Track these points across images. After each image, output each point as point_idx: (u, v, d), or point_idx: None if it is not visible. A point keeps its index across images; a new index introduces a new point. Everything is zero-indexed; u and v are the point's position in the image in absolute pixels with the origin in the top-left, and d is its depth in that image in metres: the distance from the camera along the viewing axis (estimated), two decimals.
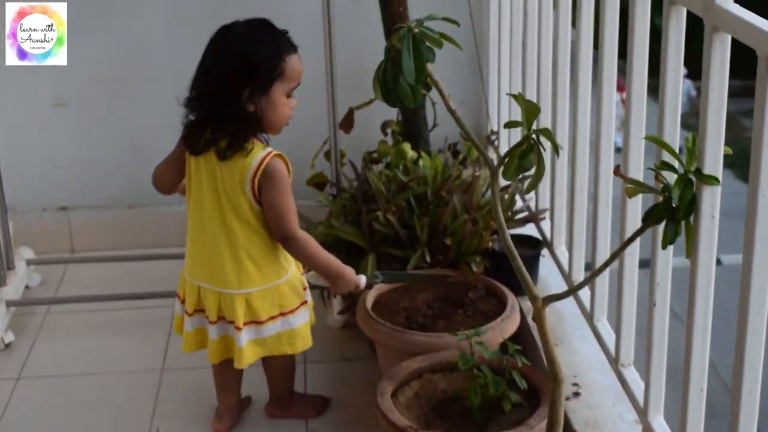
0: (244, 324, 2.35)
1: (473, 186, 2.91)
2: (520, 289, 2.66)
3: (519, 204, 3.05)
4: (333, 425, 2.67)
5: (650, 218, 1.70)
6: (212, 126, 2.26)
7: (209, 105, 2.25)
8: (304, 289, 2.46)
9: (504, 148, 3.47)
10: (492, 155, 3.66)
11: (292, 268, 2.42)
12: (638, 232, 1.75)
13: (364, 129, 3.49)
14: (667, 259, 1.90)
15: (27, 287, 3.47)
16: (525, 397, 2.27)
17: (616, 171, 1.79)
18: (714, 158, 1.64)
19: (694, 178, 1.65)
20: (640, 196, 1.83)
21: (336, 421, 2.67)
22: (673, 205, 1.65)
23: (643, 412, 2.04)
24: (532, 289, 1.83)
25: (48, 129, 3.69)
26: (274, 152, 2.28)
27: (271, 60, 2.22)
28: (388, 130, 3.45)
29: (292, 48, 2.27)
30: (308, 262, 2.40)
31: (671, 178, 1.68)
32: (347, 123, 3.39)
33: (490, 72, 3.59)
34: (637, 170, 2.01)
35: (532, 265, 2.82)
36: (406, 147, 3.28)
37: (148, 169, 3.73)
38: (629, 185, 1.76)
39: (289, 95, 2.28)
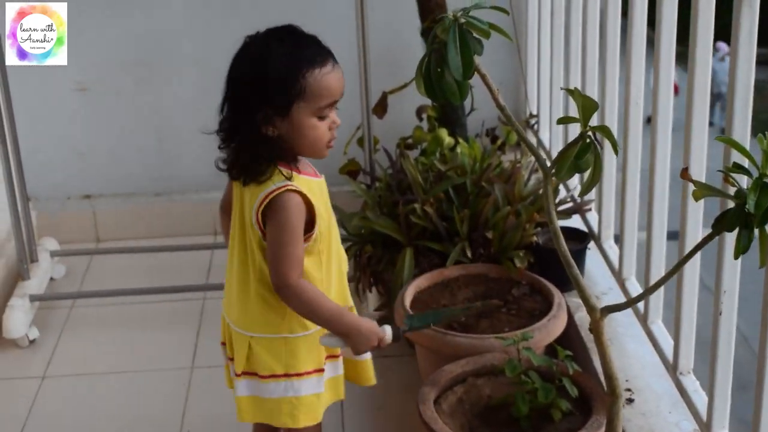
0: (244, 373, 2.03)
1: (515, 176, 2.78)
2: (565, 286, 2.55)
3: (563, 193, 2.91)
4: (371, 429, 2.55)
5: (721, 225, 1.56)
6: (234, 149, 1.96)
7: (227, 127, 1.95)
8: (334, 357, 2.08)
9: (545, 133, 3.33)
10: (531, 140, 3.53)
11: (317, 328, 2.01)
12: (705, 241, 1.61)
13: (398, 114, 3.36)
14: (736, 267, 1.76)
15: (52, 279, 3.38)
16: (575, 405, 2.14)
17: (683, 174, 1.65)
18: None
19: None
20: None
21: (374, 425, 2.55)
22: (748, 211, 1.51)
23: (705, 426, 1.91)
24: (590, 299, 1.70)
25: (70, 115, 3.59)
26: (291, 186, 1.90)
27: (287, 78, 1.87)
28: (424, 116, 3.33)
29: (318, 61, 1.89)
30: (310, 318, 1.96)
31: (742, 181, 1.54)
32: (381, 108, 3.27)
33: (529, 54, 3.45)
34: (700, 171, 1.87)
35: (578, 259, 2.68)
36: (443, 133, 3.15)
37: (173, 155, 3.67)
38: (697, 188, 1.61)
39: (321, 116, 1.91)
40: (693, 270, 1.98)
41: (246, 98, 1.89)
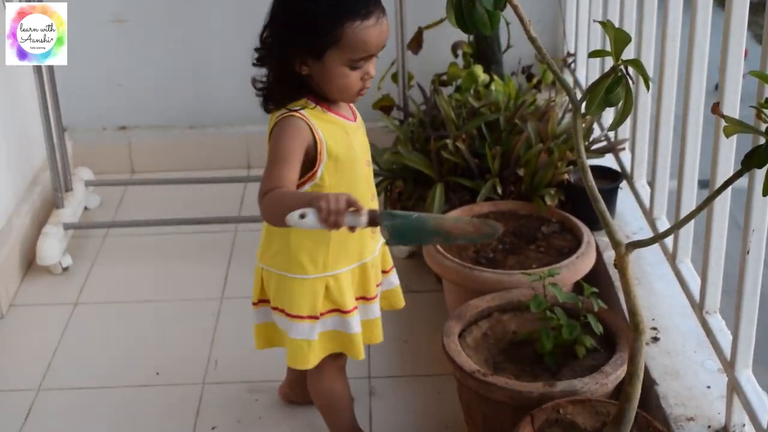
0: (260, 301, 2.12)
1: (549, 113, 2.76)
2: (596, 224, 2.53)
3: (597, 132, 2.89)
4: (397, 362, 2.57)
5: (751, 161, 1.54)
6: (268, 78, 1.95)
7: (263, 58, 1.94)
8: (343, 311, 2.03)
9: (581, 72, 3.29)
10: (568, 79, 3.49)
11: (323, 274, 1.99)
12: (735, 177, 1.59)
13: (433, 50, 3.34)
14: (765, 205, 1.74)
15: (86, 209, 3.41)
16: (600, 342, 2.14)
17: (714, 109, 1.62)
18: None
19: None
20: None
21: (400, 359, 2.57)
22: None
23: (729, 365, 1.90)
24: (615, 235, 1.69)
25: (107, 47, 3.59)
26: (297, 114, 1.89)
27: (326, 24, 1.83)
28: (459, 52, 3.30)
29: (362, 13, 1.83)
30: (278, 211, 1.76)
31: None
32: (416, 43, 3.25)
33: None
34: (734, 106, 1.84)
35: (610, 199, 2.67)
36: (478, 70, 3.13)
37: (209, 87, 3.66)
38: (727, 124, 1.59)
39: (354, 67, 1.87)
40: (722, 208, 1.96)
41: (285, 32, 1.88)
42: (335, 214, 1.69)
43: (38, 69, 3.01)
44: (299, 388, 2.37)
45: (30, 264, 3.07)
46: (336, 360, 2.12)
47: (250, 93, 3.66)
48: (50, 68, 3.12)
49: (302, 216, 1.71)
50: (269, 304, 2.10)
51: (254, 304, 2.14)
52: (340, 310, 2.03)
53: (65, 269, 3.05)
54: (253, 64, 1.97)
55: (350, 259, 2.02)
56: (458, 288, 2.39)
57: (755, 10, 1.68)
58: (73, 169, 3.43)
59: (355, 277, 2.04)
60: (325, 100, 1.94)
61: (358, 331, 2.04)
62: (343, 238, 1.95)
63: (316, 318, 2.01)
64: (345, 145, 1.95)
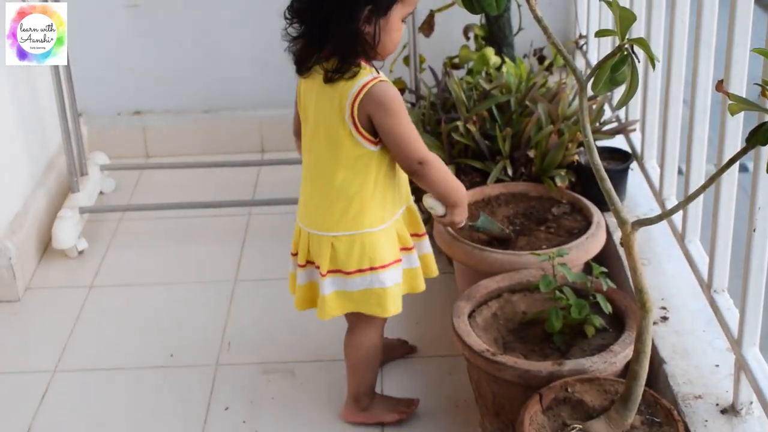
0: (329, 272, 2.10)
1: (559, 95, 2.76)
2: (606, 205, 2.53)
3: (608, 114, 2.89)
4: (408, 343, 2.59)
5: (755, 138, 1.55)
6: (320, 43, 1.99)
7: (321, 20, 1.97)
8: (408, 249, 2.18)
9: (593, 54, 3.29)
10: (580, 61, 3.49)
11: (394, 218, 2.13)
12: (740, 154, 1.60)
13: (444, 32, 3.34)
14: None
15: (101, 193, 3.44)
16: (609, 322, 2.15)
17: (719, 86, 1.63)
18: None
19: None
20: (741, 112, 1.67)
21: (412, 340, 2.58)
22: None
23: (736, 343, 1.91)
24: (621, 212, 1.70)
25: (121, 31, 3.60)
26: (381, 77, 2.00)
27: None
28: (471, 34, 3.30)
29: None
30: (441, 185, 2.09)
31: None
32: (427, 26, 3.25)
33: None
34: (740, 84, 1.84)
35: (620, 179, 2.67)
36: (489, 52, 3.13)
37: (222, 72, 3.68)
38: (732, 102, 1.60)
39: (403, 20, 2.02)
40: (730, 187, 1.96)
41: None
42: (455, 224, 2.15)
43: None
44: (363, 400, 2.34)
45: (46, 248, 3.10)
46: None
47: (264, 77, 3.72)
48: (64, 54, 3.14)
49: (434, 210, 2.13)
50: (318, 268, 2.14)
51: (301, 266, 2.17)
52: (406, 248, 2.18)
53: (80, 252, 3.08)
54: (295, 23, 2.01)
55: (402, 202, 2.17)
56: (469, 269, 2.41)
57: None
58: (88, 153, 3.45)
59: (405, 218, 2.19)
60: (370, 62, 2.03)
61: (418, 264, 2.20)
62: (399, 185, 2.14)
63: (399, 260, 2.16)
64: None
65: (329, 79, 2.00)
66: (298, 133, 2.21)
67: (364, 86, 1.98)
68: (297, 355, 2.57)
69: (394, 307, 2.15)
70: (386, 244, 2.12)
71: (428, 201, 2.13)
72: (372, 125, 2.01)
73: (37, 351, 2.65)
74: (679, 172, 2.40)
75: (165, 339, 2.66)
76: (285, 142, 3.61)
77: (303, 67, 2.05)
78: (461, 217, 2.14)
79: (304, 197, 2.16)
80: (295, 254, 2.21)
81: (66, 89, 3.15)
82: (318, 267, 2.14)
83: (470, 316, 2.20)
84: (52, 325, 2.75)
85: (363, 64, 2.00)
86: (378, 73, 2.02)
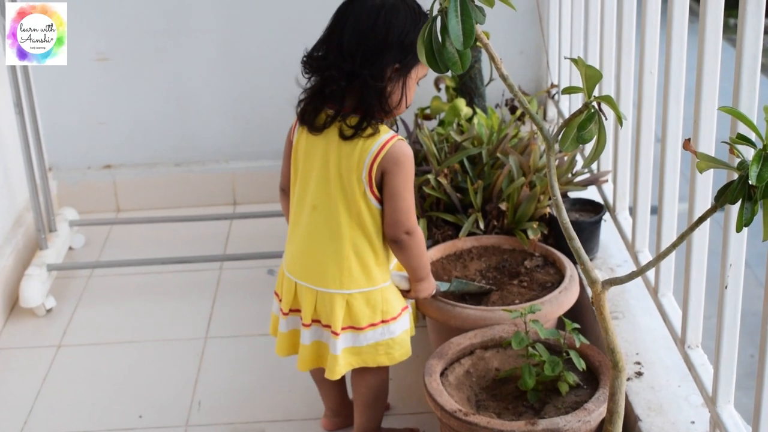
0: (342, 329, 2.11)
1: (531, 146, 2.75)
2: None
3: (580, 164, 2.88)
4: None
5: (723, 197, 1.53)
6: (341, 99, 2.00)
7: (348, 74, 1.97)
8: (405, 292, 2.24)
9: (565, 104, 3.29)
10: (552, 110, 3.49)
11: (393, 263, 2.20)
12: (709, 212, 1.58)
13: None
14: (741, 240, 1.73)
15: (70, 249, 3.39)
16: (583, 378, 2.13)
17: (686, 145, 1.62)
18: None
19: None
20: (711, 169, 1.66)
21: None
22: (750, 183, 1.48)
23: (711, 400, 1.88)
24: (591, 272, 1.67)
25: (91, 85, 3.58)
26: (400, 137, 2.04)
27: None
28: (442, 85, 3.29)
29: None
30: (416, 260, 2.14)
31: (748, 152, 1.51)
32: None
33: (550, 22, 3.41)
34: (709, 141, 1.83)
35: (593, 231, 2.66)
36: (461, 103, 3.12)
37: (194, 125, 3.66)
38: (700, 160, 1.58)
39: (417, 82, 2.10)
40: (701, 243, 1.95)
41: (386, 51, 1.98)
42: (424, 296, 2.24)
43: (20, 108, 3.00)
44: (346, 409, 2.39)
45: (13, 306, 3.06)
46: None
47: (235, 129, 3.70)
48: (33, 107, 3.12)
49: (399, 286, 2.19)
50: (327, 327, 2.14)
51: (306, 325, 2.16)
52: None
53: (49, 311, 3.03)
54: (316, 75, 2.03)
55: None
56: (441, 325, 2.37)
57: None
58: (57, 209, 3.42)
59: None
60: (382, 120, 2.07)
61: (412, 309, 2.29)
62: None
63: (407, 307, 2.22)
64: None
65: (348, 136, 2.00)
66: (285, 189, 2.19)
67: (385, 144, 2.01)
68: (268, 415, 2.52)
69: (401, 353, 2.19)
70: (396, 295, 2.18)
71: (394, 278, 2.18)
72: (382, 183, 2.04)
73: (2, 414, 2.59)
74: (654, 212, 2.39)
75: (134, 399, 2.61)
76: (257, 195, 3.60)
77: (315, 122, 2.04)
78: (426, 292, 2.23)
79: (305, 254, 2.13)
80: (286, 313, 2.19)
81: (34, 143, 3.11)
82: (327, 326, 2.13)
83: (443, 373, 2.17)
84: (18, 386, 2.69)
85: (380, 123, 2.04)
86: (396, 132, 2.06)
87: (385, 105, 2.01)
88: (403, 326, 2.19)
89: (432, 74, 3.29)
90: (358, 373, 2.24)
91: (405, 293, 2.21)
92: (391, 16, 1.98)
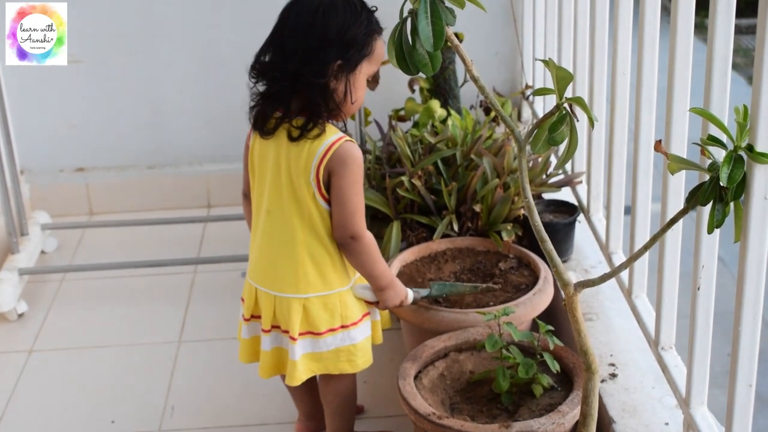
0: (300, 335, 2.08)
1: (505, 147, 2.74)
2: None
3: (554, 165, 2.87)
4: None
5: (695, 199, 1.53)
6: (287, 101, 1.99)
7: (292, 75, 1.95)
8: (368, 302, 2.20)
9: (539, 105, 3.29)
10: (526, 111, 3.49)
11: (356, 276, 2.14)
12: (681, 214, 1.58)
13: (390, 85, 3.31)
14: (713, 241, 1.73)
15: (43, 252, 3.36)
16: (557, 380, 2.12)
17: (657, 146, 1.61)
18: None
19: (745, 155, 1.47)
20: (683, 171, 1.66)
21: (360, 400, 2.53)
22: (721, 185, 1.47)
23: (684, 402, 1.88)
24: (563, 274, 1.67)
25: (63, 87, 3.55)
26: (347, 137, 2.01)
27: (366, 36, 1.98)
28: (416, 87, 3.28)
29: (380, 29, 2.02)
30: (367, 268, 2.09)
31: (719, 154, 1.51)
32: (373, 79, 3.21)
33: (525, 23, 3.41)
34: (681, 142, 1.83)
35: (567, 233, 2.65)
36: (435, 104, 3.12)
37: (166, 127, 3.64)
38: (671, 161, 1.58)
39: (368, 80, 2.05)
40: (674, 244, 1.94)
41: (326, 48, 1.95)
42: (392, 305, 2.18)
43: None
44: (319, 414, 2.36)
45: None
46: None
47: (208, 132, 3.68)
48: (4, 109, 3.09)
49: (365, 297, 2.15)
50: (285, 332, 2.12)
51: (266, 331, 2.14)
52: (368, 302, 2.19)
53: (20, 315, 3.00)
54: (261, 81, 2.02)
55: None
56: (415, 328, 2.36)
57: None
58: (29, 212, 3.39)
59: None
60: (331, 120, 2.04)
61: (378, 317, 2.24)
62: None
63: (368, 313, 2.18)
64: None
65: (295, 138, 1.98)
66: (247, 195, 2.17)
67: (331, 145, 1.98)
68: (242, 419, 2.51)
69: (363, 360, 2.16)
70: (354, 301, 2.13)
71: (357, 291, 2.14)
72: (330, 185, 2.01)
73: None
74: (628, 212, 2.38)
75: (107, 405, 2.59)
76: (231, 198, 3.58)
77: (265, 126, 2.03)
78: (394, 301, 2.16)
79: (262, 259, 2.11)
80: (248, 319, 2.17)
81: (5, 145, 3.09)
82: (286, 331, 2.10)
83: (417, 376, 2.16)
84: None
85: (327, 123, 2.01)
86: (344, 132, 2.02)
87: (330, 104, 1.98)
88: (364, 333, 2.15)
89: (406, 75, 3.28)
90: (325, 380, 2.23)
91: (375, 305, 2.18)
92: (330, 12, 1.96)
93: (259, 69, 2.01)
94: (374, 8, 2.04)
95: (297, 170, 1.99)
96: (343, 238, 2.04)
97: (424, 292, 2.30)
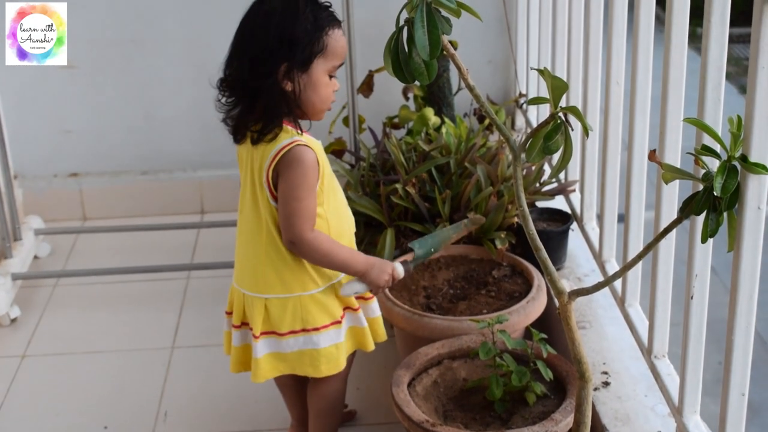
0: (262, 333, 2.09)
1: (499, 155, 2.75)
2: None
3: (548, 173, 2.88)
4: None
5: (688, 208, 1.54)
6: (248, 108, 2.00)
7: (244, 84, 1.98)
8: (353, 309, 2.16)
9: (533, 113, 3.30)
10: (520, 119, 3.50)
11: (331, 282, 2.11)
12: (674, 223, 1.59)
13: (384, 92, 3.34)
14: (707, 251, 1.73)
15: (36, 258, 3.36)
16: (551, 388, 2.13)
17: (651, 156, 1.62)
18: (762, 143, 1.47)
19: (738, 165, 1.48)
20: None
21: (353, 406, 2.53)
22: (715, 195, 1.48)
23: (677, 410, 1.89)
24: (557, 282, 1.68)
25: (57, 93, 3.55)
26: (301, 141, 1.98)
27: (312, 34, 1.95)
28: (410, 95, 3.29)
29: (336, 22, 2.00)
30: (326, 264, 2.07)
31: (713, 163, 1.52)
32: (367, 87, 3.24)
33: (519, 32, 3.41)
34: (675, 152, 1.84)
35: (561, 241, 2.66)
36: (429, 112, 3.12)
37: (161, 133, 3.64)
38: (665, 171, 1.59)
39: (332, 75, 2.01)
40: (667, 253, 1.95)
41: (268, 53, 1.95)
42: (388, 286, 2.13)
43: None
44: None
45: None
46: (348, 363, 2.23)
47: (203, 138, 3.68)
48: None
49: (356, 292, 2.11)
50: (251, 330, 2.12)
51: (236, 326, 2.16)
52: (350, 308, 2.16)
53: (13, 320, 3.00)
54: (226, 93, 2.02)
55: None
56: (408, 335, 2.37)
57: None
58: (23, 217, 3.39)
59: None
60: (296, 122, 2.01)
61: (366, 324, 2.19)
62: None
63: (339, 322, 2.13)
64: (326, 162, 2.07)
65: (254, 141, 2.01)
66: None
67: (282, 148, 1.98)
68: (234, 424, 2.51)
69: (328, 367, 2.13)
70: (319, 308, 2.10)
71: (344, 291, 2.11)
72: None
73: None
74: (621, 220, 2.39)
75: (99, 410, 2.59)
76: (225, 204, 3.58)
77: (236, 133, 2.06)
78: (383, 278, 2.12)
79: (237, 258, 2.16)
80: (229, 313, 2.20)
81: None
82: (252, 329, 2.12)
83: (411, 384, 2.16)
84: None
85: (287, 126, 2.00)
86: (301, 136, 2.00)
87: (288, 106, 1.98)
88: (330, 340, 2.12)
89: (400, 83, 3.28)
90: (313, 382, 2.24)
91: (371, 293, 2.17)
92: (268, 17, 1.96)
93: (221, 82, 2.03)
94: (327, 4, 2.02)
95: (254, 173, 2.03)
96: (285, 242, 2.04)
97: (410, 259, 2.24)
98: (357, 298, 2.18)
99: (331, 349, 2.13)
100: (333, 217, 2.09)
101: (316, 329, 2.11)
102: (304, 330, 2.10)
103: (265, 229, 2.05)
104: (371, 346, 2.21)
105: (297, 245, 2.02)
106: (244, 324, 2.16)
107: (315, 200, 2.01)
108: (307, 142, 2.01)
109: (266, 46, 1.95)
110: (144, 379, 2.71)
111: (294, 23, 1.95)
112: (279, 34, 1.95)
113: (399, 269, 2.17)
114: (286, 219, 2.00)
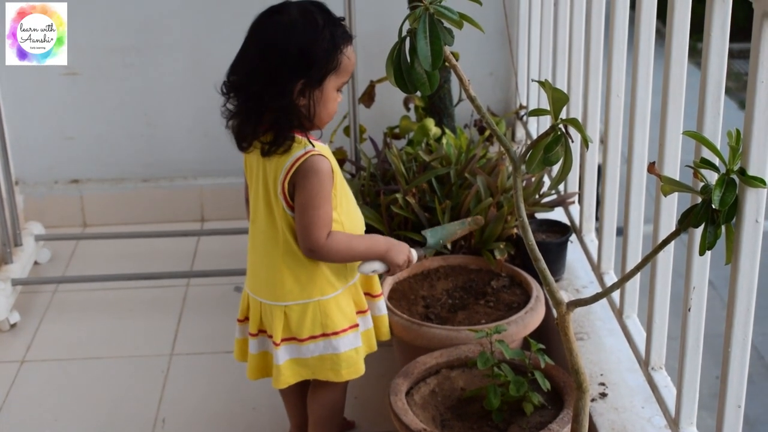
0: (283, 340, 2.11)
1: (499, 167, 2.76)
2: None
3: (547, 185, 2.89)
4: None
5: (687, 221, 1.55)
6: (256, 118, 2.01)
7: (255, 95, 1.98)
8: (363, 312, 2.20)
9: (533, 125, 3.31)
10: (520, 131, 3.52)
11: (347, 284, 2.15)
12: (673, 235, 1.60)
13: (385, 103, 3.35)
14: (704, 263, 1.74)
15: (36, 263, 3.37)
16: (548, 398, 2.13)
17: (651, 168, 1.63)
18: (760, 157, 1.48)
19: (737, 179, 1.49)
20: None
21: (350, 415, 2.54)
22: (713, 208, 1.49)
23: (674, 422, 1.90)
24: (556, 293, 1.69)
25: (59, 99, 3.57)
26: (315, 151, 2.00)
27: (329, 52, 1.97)
28: (411, 105, 3.31)
29: (349, 39, 2.02)
30: (349, 260, 2.12)
31: (712, 176, 1.53)
32: (368, 97, 3.26)
33: (520, 44, 3.43)
34: (674, 164, 1.85)
35: (559, 253, 2.67)
36: (429, 123, 3.14)
37: (161, 140, 3.65)
38: (664, 183, 1.60)
39: (339, 90, 2.04)
40: (665, 265, 1.96)
41: (285, 68, 1.96)
42: (405, 267, 2.16)
43: None
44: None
45: None
46: None
47: (204, 146, 3.70)
48: (0, 121, 3.10)
49: (374, 270, 2.14)
50: (271, 337, 2.14)
51: (253, 335, 2.17)
52: (361, 311, 2.20)
53: (13, 326, 3.01)
54: (233, 99, 2.03)
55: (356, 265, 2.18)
56: (407, 344, 2.38)
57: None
58: (23, 223, 3.40)
59: (360, 279, 2.22)
60: (306, 132, 2.04)
61: (372, 325, 2.24)
62: None
63: (356, 325, 2.17)
64: (337, 166, 2.09)
65: (266, 153, 2.02)
66: (248, 201, 2.21)
67: (296, 160, 2.00)
68: (232, 431, 2.52)
69: (348, 372, 2.16)
70: (339, 311, 2.13)
71: (363, 269, 2.15)
72: None
73: None
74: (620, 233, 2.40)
75: (97, 417, 2.59)
76: (225, 211, 3.60)
77: (242, 142, 2.06)
78: (401, 257, 2.16)
79: (252, 266, 2.17)
80: (242, 320, 2.21)
81: (0, 156, 3.09)
82: (271, 336, 2.14)
83: (408, 393, 2.17)
84: None
85: (298, 137, 2.02)
86: (313, 146, 2.02)
87: (298, 120, 2.00)
88: (350, 344, 2.15)
89: (402, 93, 3.30)
90: (313, 389, 2.25)
91: (387, 273, 2.18)
92: (290, 32, 1.96)
93: (228, 87, 2.03)
94: (341, 18, 2.05)
95: (269, 184, 2.04)
96: (304, 251, 2.06)
97: (423, 247, 2.29)
98: (365, 294, 2.22)
99: (351, 353, 2.16)
100: (347, 219, 2.12)
101: (336, 333, 2.13)
102: (324, 335, 2.12)
103: (282, 238, 2.07)
104: (375, 347, 2.26)
105: (317, 252, 2.04)
106: (262, 332, 2.17)
107: (331, 206, 2.04)
108: (320, 150, 2.03)
109: (285, 63, 1.96)
110: (142, 385, 2.72)
111: (314, 42, 1.96)
112: (299, 52, 1.96)
113: (414, 253, 2.21)
114: (304, 228, 2.02)
